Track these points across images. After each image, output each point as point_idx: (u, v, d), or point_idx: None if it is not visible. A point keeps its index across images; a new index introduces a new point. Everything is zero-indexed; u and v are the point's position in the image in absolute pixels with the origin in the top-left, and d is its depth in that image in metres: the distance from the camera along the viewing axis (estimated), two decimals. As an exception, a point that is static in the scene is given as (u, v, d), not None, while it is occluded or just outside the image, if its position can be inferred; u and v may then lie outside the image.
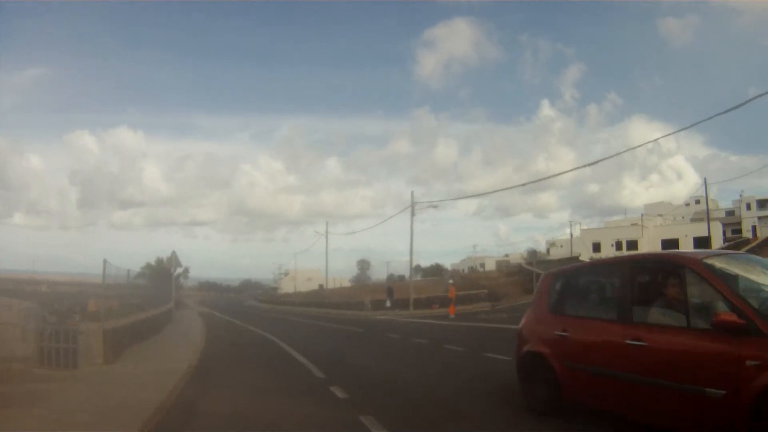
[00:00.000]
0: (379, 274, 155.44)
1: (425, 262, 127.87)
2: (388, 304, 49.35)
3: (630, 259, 9.86)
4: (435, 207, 60.33)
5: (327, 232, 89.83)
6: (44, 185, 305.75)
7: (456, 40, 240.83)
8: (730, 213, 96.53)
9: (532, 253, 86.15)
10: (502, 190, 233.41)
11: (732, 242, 75.85)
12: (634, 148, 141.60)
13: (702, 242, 74.77)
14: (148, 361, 18.81)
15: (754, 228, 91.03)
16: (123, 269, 26.02)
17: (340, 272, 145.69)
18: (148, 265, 68.10)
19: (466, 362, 18.01)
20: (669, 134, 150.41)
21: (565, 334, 9.67)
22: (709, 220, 66.72)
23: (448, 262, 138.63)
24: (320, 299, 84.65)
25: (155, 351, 22.32)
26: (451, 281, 53.64)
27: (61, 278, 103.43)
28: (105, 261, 20.76)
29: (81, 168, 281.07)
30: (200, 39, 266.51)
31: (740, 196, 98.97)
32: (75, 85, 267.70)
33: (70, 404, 11.46)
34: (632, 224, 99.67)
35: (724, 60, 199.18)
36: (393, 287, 58.65)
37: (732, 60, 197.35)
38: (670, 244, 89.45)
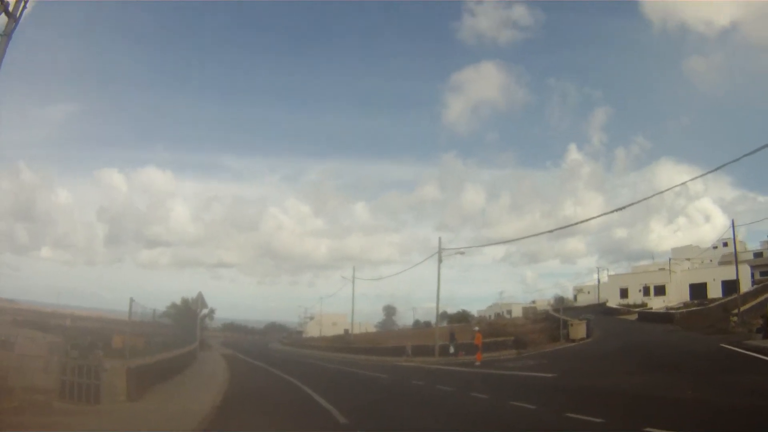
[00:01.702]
0: (404, 320, 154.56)
1: (451, 309, 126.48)
2: (451, 350, 48.38)
3: None
4: (462, 254, 59.94)
5: (354, 277, 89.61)
6: (72, 220, 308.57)
7: (483, 84, 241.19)
8: (758, 255, 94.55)
9: (559, 300, 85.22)
10: (529, 237, 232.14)
11: (761, 284, 74.37)
12: (661, 193, 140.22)
13: (730, 285, 73.49)
14: (171, 401, 18.64)
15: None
16: (149, 308, 25.99)
17: (366, 317, 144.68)
18: (174, 305, 68.07)
19: (491, 410, 17.63)
20: (696, 177, 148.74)
21: None
22: (737, 263, 65.49)
23: (474, 309, 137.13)
24: (345, 344, 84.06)
25: (178, 391, 22.14)
26: (477, 328, 52.82)
27: (85, 313, 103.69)
28: (131, 300, 20.76)
29: (109, 205, 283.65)
30: (229, 78, 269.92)
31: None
32: (105, 121, 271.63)
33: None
34: (660, 269, 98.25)
35: (751, 99, 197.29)
36: (455, 330, 57.38)
37: (758, 99, 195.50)
38: (699, 288, 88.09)
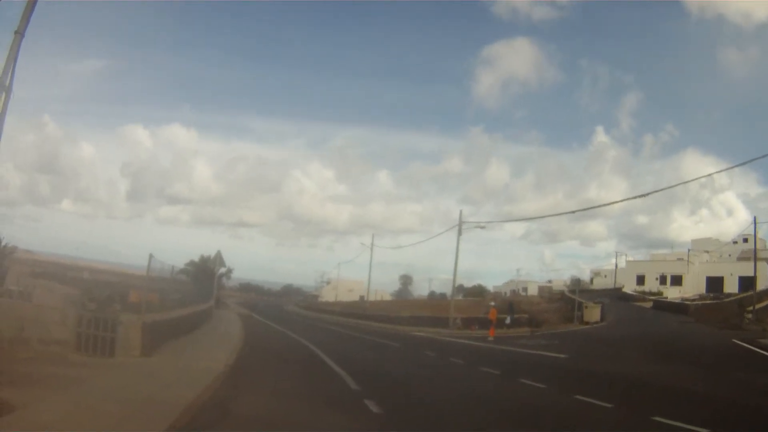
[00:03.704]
0: (420, 290, 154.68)
1: (468, 282, 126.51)
2: (508, 320, 48.44)
3: None
4: (482, 228, 59.72)
5: (372, 244, 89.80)
6: (95, 175, 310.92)
7: (515, 60, 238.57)
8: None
9: (576, 281, 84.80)
10: (551, 216, 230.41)
11: (778, 283, 73.82)
12: (686, 183, 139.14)
13: (747, 282, 72.91)
14: (185, 358, 18.82)
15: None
16: (167, 264, 26.18)
17: (382, 285, 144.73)
18: (192, 263, 68.50)
19: (501, 386, 17.70)
20: (723, 170, 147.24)
21: None
22: (756, 259, 64.93)
23: (490, 284, 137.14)
24: (361, 310, 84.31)
25: (192, 348, 22.33)
26: (493, 303, 52.81)
27: (104, 266, 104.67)
28: (151, 255, 20.92)
29: (132, 161, 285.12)
30: (259, 42, 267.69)
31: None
32: (132, 79, 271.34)
33: (102, 392, 11.45)
34: (678, 259, 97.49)
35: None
36: (513, 301, 57.11)
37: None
38: (715, 281, 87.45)
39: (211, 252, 51.37)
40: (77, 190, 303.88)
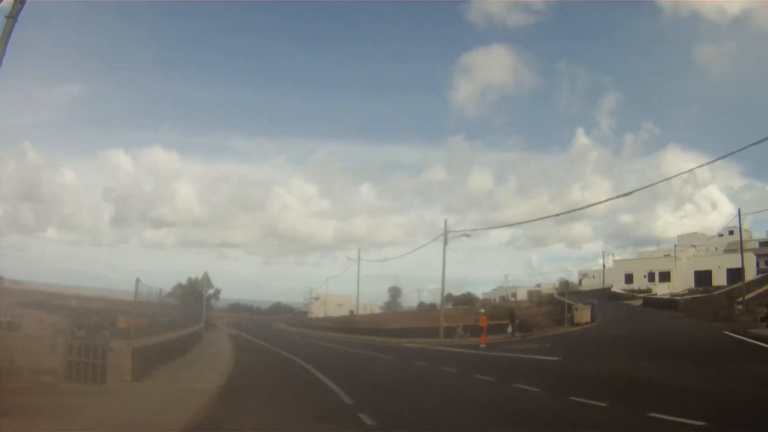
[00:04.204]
0: (409, 301, 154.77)
1: (456, 291, 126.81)
2: (509, 329, 48.09)
3: None
4: (468, 236, 59.82)
5: (359, 258, 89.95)
6: (77, 201, 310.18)
7: (493, 67, 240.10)
8: (764, 244, 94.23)
9: (564, 284, 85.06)
10: (535, 220, 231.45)
11: (766, 273, 74.29)
12: (669, 179, 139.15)
13: (735, 273, 73.44)
14: (177, 381, 18.73)
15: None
16: (155, 288, 26.12)
17: (371, 298, 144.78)
18: (180, 285, 68.40)
19: (496, 392, 17.72)
20: (704, 164, 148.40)
21: None
22: (742, 251, 65.50)
23: (479, 291, 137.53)
24: (351, 325, 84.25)
25: (184, 370, 22.24)
26: (482, 310, 52.90)
27: (91, 293, 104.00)
28: (138, 280, 20.88)
29: (115, 185, 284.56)
30: (237, 59, 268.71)
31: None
32: (111, 102, 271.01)
33: (96, 419, 11.37)
34: (665, 255, 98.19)
35: (762, 88, 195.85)
36: (514, 309, 56.70)
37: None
38: (703, 275, 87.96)
39: (198, 274, 51.29)
40: (61, 217, 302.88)
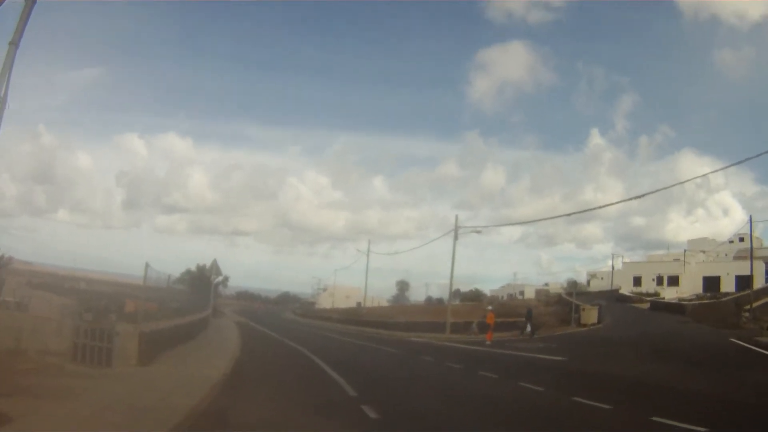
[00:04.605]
0: (417, 295, 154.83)
1: (464, 287, 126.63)
2: (528, 328, 47.62)
3: None
4: (478, 232, 59.96)
5: (369, 250, 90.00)
6: (90, 184, 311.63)
7: (511, 64, 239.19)
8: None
9: (572, 284, 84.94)
10: (546, 219, 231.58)
11: (774, 281, 74.01)
12: (681, 183, 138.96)
13: (743, 281, 73.06)
14: (183, 366, 18.79)
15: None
16: (164, 273, 26.16)
17: (379, 291, 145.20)
18: (189, 272, 68.70)
19: (499, 389, 17.69)
20: (718, 170, 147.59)
21: None
22: (752, 258, 65.19)
23: (487, 288, 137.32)
24: (358, 317, 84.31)
25: (190, 356, 22.30)
26: (490, 307, 52.82)
27: (100, 277, 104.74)
28: (147, 264, 20.89)
29: (128, 170, 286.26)
30: (255, 49, 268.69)
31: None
32: (127, 88, 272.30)
33: (102, 402, 11.41)
34: (674, 259, 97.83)
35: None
36: (531, 308, 56.13)
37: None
38: (712, 281, 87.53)
39: (207, 261, 51.41)
40: (73, 200, 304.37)
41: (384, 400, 14.35)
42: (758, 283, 70.13)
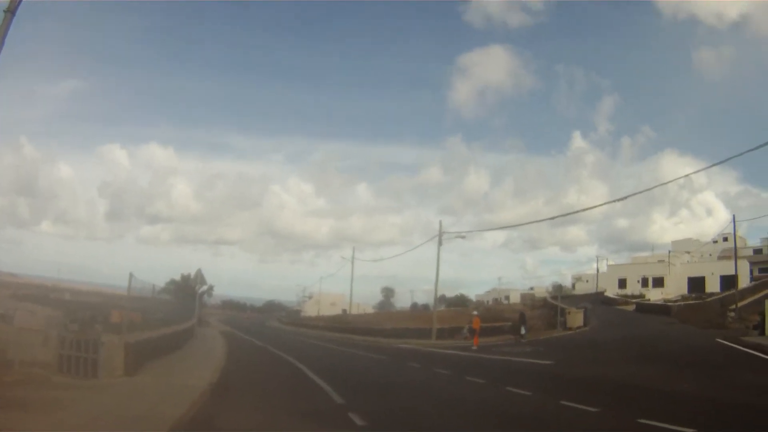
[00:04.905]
0: (402, 302, 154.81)
1: (450, 292, 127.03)
2: (523, 331, 47.54)
3: None
4: (463, 238, 59.91)
5: (353, 257, 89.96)
6: (74, 195, 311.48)
7: (491, 68, 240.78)
8: (758, 251, 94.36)
9: (557, 288, 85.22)
10: (530, 223, 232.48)
11: (759, 281, 74.50)
12: (664, 184, 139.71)
13: (728, 280, 73.57)
14: (169, 376, 18.73)
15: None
16: (148, 283, 26.09)
17: (364, 298, 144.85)
18: (173, 281, 68.32)
19: (487, 395, 17.73)
20: (700, 170, 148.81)
21: None
22: (736, 258, 65.67)
23: (473, 293, 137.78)
24: (343, 324, 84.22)
25: (176, 366, 22.23)
26: (475, 312, 52.77)
27: (85, 288, 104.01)
28: (131, 274, 20.86)
29: (111, 180, 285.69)
30: (235, 58, 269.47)
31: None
32: (109, 98, 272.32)
33: (90, 413, 11.38)
34: (659, 261, 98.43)
35: (760, 93, 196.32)
36: (525, 312, 56.07)
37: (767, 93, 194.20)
38: (697, 282, 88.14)
39: (192, 270, 51.28)
40: (57, 212, 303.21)
41: (371, 407, 14.36)
42: (743, 282, 70.69)
